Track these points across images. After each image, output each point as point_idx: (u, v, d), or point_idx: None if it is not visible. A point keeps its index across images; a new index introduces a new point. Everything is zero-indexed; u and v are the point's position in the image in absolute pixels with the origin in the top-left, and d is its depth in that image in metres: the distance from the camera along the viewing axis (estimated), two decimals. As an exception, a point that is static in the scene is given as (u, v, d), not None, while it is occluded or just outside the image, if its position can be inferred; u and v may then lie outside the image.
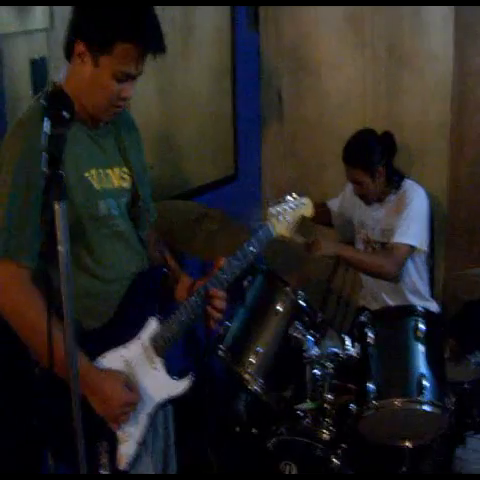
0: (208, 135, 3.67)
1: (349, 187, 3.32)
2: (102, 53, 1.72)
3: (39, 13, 2.65)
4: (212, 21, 3.65)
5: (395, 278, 3.04)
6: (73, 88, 1.75)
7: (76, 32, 1.76)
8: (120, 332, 1.86)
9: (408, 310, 2.75)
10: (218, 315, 1.97)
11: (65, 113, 1.36)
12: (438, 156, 3.55)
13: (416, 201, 3.06)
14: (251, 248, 2.01)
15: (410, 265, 3.11)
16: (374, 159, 3.02)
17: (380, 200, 3.15)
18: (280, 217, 2.12)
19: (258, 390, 2.63)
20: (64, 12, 2.56)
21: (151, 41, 1.76)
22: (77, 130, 1.76)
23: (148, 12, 1.78)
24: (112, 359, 1.83)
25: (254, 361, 2.63)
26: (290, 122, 3.98)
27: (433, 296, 3.29)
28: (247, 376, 2.62)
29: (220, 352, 2.70)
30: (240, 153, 3.87)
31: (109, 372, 1.81)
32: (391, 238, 3.02)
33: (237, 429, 3.07)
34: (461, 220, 3.55)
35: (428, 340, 2.60)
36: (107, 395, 1.77)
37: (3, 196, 1.68)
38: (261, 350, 2.64)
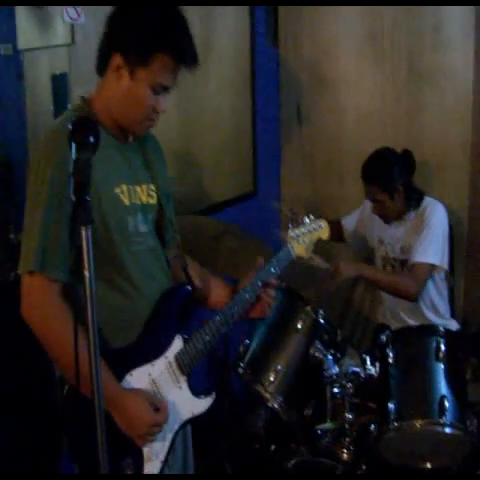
0: (228, 152, 3.65)
1: (367, 204, 3.27)
2: (140, 65, 1.71)
3: (61, 29, 2.67)
4: (232, 38, 3.64)
5: (415, 298, 2.98)
6: (106, 102, 1.77)
7: (113, 45, 1.74)
8: (147, 350, 1.85)
9: (429, 330, 2.71)
10: (269, 300, 2.03)
11: (91, 138, 1.36)
12: (458, 173, 3.49)
13: (436, 219, 3.00)
14: (272, 269, 2.05)
15: (429, 283, 3.06)
16: (393, 178, 2.97)
17: (399, 218, 3.10)
18: (300, 239, 2.18)
19: (278, 408, 2.61)
20: (85, 28, 2.66)
21: (187, 52, 1.75)
22: (108, 143, 1.75)
23: (183, 24, 1.77)
24: (139, 377, 1.81)
25: (274, 379, 2.61)
26: (309, 137, 3.95)
27: (453, 314, 3.22)
28: (267, 394, 2.60)
29: (240, 370, 2.68)
30: (259, 169, 3.84)
31: (137, 392, 1.79)
32: (411, 257, 2.97)
33: (256, 446, 3.04)
34: (481, 236, 3.49)
35: (449, 361, 2.56)
36: (135, 416, 1.76)
37: (38, 210, 1.67)
38: (281, 368, 2.62)
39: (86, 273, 1.33)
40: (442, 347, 2.56)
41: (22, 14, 2.79)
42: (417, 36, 3.54)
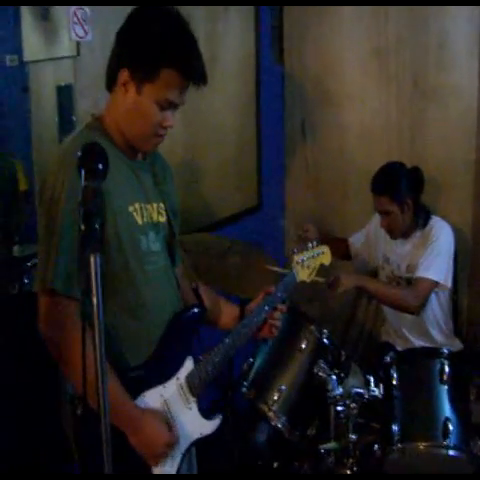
0: (232, 166, 3.60)
1: (373, 222, 3.22)
2: (146, 80, 1.69)
3: (66, 41, 2.63)
4: (237, 53, 3.59)
5: (417, 311, 2.93)
6: (114, 118, 1.75)
7: (120, 61, 1.72)
8: (159, 371, 1.82)
9: (434, 352, 2.67)
10: (276, 323, 2.08)
11: (100, 166, 1.33)
12: (463, 191, 3.43)
13: (443, 238, 2.96)
14: (279, 294, 2.09)
15: (434, 301, 3.01)
16: (403, 189, 2.93)
17: (406, 235, 3.04)
18: (304, 264, 2.23)
19: (281, 428, 2.56)
20: (91, 41, 2.60)
21: (194, 69, 1.72)
22: (119, 160, 1.75)
23: (191, 40, 1.73)
24: (152, 398, 1.79)
25: (277, 399, 2.57)
26: (313, 153, 3.88)
27: (456, 332, 3.15)
28: (270, 413, 2.56)
29: (243, 389, 2.64)
30: (264, 184, 3.78)
31: (152, 412, 1.76)
32: (415, 272, 2.92)
33: (258, 462, 2.97)
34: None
35: (454, 383, 2.52)
36: (150, 436, 1.73)
37: (56, 227, 1.63)
38: (285, 388, 2.58)
39: (94, 300, 1.29)
40: (446, 369, 2.52)
41: (28, 26, 2.77)
42: (422, 53, 3.48)
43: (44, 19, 2.76)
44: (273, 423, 2.56)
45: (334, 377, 2.52)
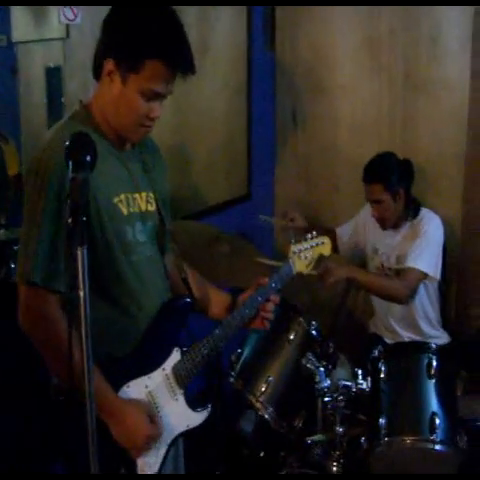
0: (222, 154, 3.52)
1: (362, 213, 3.16)
2: (131, 71, 1.63)
3: (55, 22, 2.59)
4: (228, 40, 3.51)
5: (406, 301, 2.89)
6: (101, 107, 1.71)
7: (105, 50, 1.67)
8: (144, 362, 1.78)
9: (422, 347, 2.62)
10: (268, 315, 1.99)
11: (88, 158, 1.30)
12: (453, 184, 3.38)
13: (432, 229, 2.92)
14: (273, 284, 2.00)
15: (422, 292, 2.97)
16: (395, 178, 2.89)
17: (396, 226, 2.99)
18: (301, 255, 2.12)
19: (268, 418, 2.50)
20: (80, 23, 2.55)
21: (180, 60, 1.65)
22: (106, 150, 1.69)
23: (178, 31, 1.66)
24: (136, 389, 1.74)
25: (265, 389, 2.51)
26: (304, 143, 3.80)
27: (445, 324, 3.10)
28: (258, 404, 2.51)
29: (231, 379, 2.58)
30: (254, 172, 3.70)
31: (134, 404, 1.71)
32: (404, 262, 2.88)
33: (244, 451, 2.92)
34: (475, 248, 3.36)
35: (441, 378, 2.46)
36: (131, 427, 1.69)
37: (37, 220, 1.59)
38: (272, 379, 2.52)
39: (81, 293, 1.27)
40: (434, 364, 2.46)
41: (17, 7, 2.70)
42: (414, 46, 3.42)
43: None
44: (260, 413, 2.51)
45: (322, 369, 2.47)
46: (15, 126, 2.92)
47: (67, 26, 2.60)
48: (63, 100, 2.67)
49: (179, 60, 1.65)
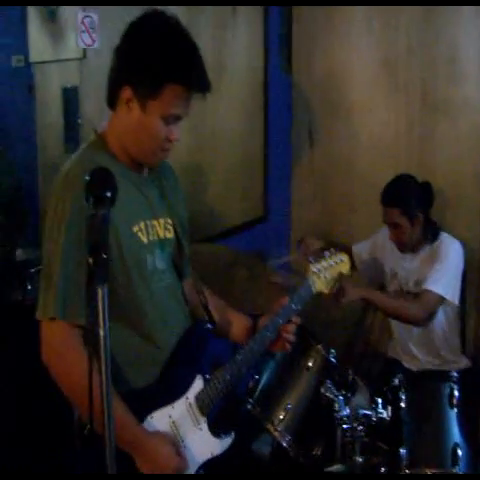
0: (239, 175, 3.42)
1: (381, 234, 3.04)
2: (150, 97, 1.58)
3: (72, 43, 2.55)
4: (244, 60, 3.43)
5: (422, 324, 2.77)
6: (118, 135, 1.66)
7: (121, 78, 1.61)
8: (168, 391, 1.71)
9: (443, 375, 2.52)
10: (290, 337, 1.89)
11: (108, 193, 1.24)
12: (471, 204, 3.27)
13: (451, 254, 2.79)
14: (293, 306, 1.91)
15: (442, 318, 2.84)
16: (414, 203, 2.77)
17: (414, 250, 2.87)
18: (321, 274, 2.02)
19: (286, 446, 2.38)
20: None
21: (198, 81, 1.61)
22: (124, 177, 1.62)
23: (194, 52, 1.62)
24: (160, 420, 1.68)
25: (283, 417, 2.39)
26: (320, 163, 3.70)
27: (464, 349, 2.97)
28: (276, 433, 2.39)
29: (249, 406, 2.46)
30: (270, 194, 3.59)
31: (159, 436, 1.65)
32: (422, 285, 2.75)
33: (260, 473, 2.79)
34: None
35: (463, 407, 2.37)
36: (159, 461, 1.62)
37: (57, 253, 1.56)
38: (291, 407, 2.40)
39: (101, 332, 1.21)
40: (456, 393, 2.37)
41: (35, 27, 2.72)
42: (431, 66, 3.32)
43: (51, 21, 2.73)
44: (278, 441, 2.39)
45: (341, 398, 2.35)
46: (31, 145, 2.90)
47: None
48: (79, 120, 2.63)
49: (197, 81, 1.60)
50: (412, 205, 2.76)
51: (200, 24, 3.06)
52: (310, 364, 2.41)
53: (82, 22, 2.45)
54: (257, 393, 2.46)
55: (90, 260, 1.18)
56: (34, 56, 2.78)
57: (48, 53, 2.72)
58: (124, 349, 1.61)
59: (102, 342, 1.21)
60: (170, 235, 1.77)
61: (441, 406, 2.37)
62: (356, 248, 3.13)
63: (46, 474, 2.31)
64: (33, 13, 2.74)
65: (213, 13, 3.15)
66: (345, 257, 2.11)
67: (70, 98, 2.66)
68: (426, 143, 3.34)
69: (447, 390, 2.37)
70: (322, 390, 2.36)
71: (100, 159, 1.61)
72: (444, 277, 2.74)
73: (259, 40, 3.48)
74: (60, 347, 1.57)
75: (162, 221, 1.74)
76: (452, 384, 2.38)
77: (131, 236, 1.64)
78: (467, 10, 3.19)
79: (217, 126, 3.21)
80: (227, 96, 3.24)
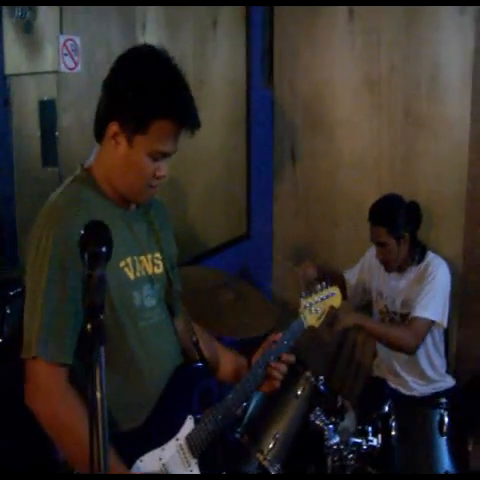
0: (220, 193, 3.22)
1: (368, 255, 2.90)
2: (138, 132, 1.48)
3: (49, 55, 2.39)
4: (226, 75, 3.26)
5: (413, 352, 2.63)
6: (105, 170, 1.55)
7: (109, 112, 1.51)
8: (158, 433, 1.60)
9: (433, 402, 2.42)
10: (280, 376, 1.78)
11: (104, 249, 1.13)
12: (454, 222, 3.14)
13: (439, 276, 2.65)
14: (285, 342, 1.80)
15: (428, 339, 2.70)
16: (400, 221, 2.64)
17: (401, 270, 2.73)
18: (312, 309, 1.92)
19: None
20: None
21: (188, 118, 1.49)
22: (110, 213, 1.53)
23: (183, 87, 1.51)
24: (150, 463, 1.56)
25: (272, 447, 2.23)
26: (303, 181, 3.54)
27: (448, 368, 2.81)
28: (265, 463, 2.23)
29: (237, 434, 2.31)
30: (252, 211, 3.41)
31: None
32: (412, 310, 2.61)
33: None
34: (476, 287, 3.10)
35: (453, 434, 2.26)
36: None
37: (40, 291, 1.44)
38: (280, 435, 2.25)
39: (98, 394, 1.11)
40: (446, 420, 2.25)
41: (10, 38, 2.49)
42: (414, 83, 3.19)
43: (27, 32, 2.51)
44: (267, 470, 2.23)
45: (331, 426, 2.19)
46: (8, 159, 2.68)
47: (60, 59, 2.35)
48: (57, 133, 2.47)
49: (187, 117, 1.50)
50: (398, 225, 2.63)
51: (180, 38, 2.90)
52: (299, 392, 2.25)
53: (64, 45, 2.28)
54: (245, 421, 2.31)
55: (88, 326, 1.07)
56: (9, 68, 2.54)
57: (24, 65, 2.54)
58: (111, 390, 1.43)
59: (99, 406, 1.11)
60: (159, 270, 1.65)
61: (431, 434, 2.26)
62: (348, 274, 2.98)
63: (46, 474, 2.15)
64: (8, 24, 2.54)
65: (193, 27, 2.98)
66: (336, 290, 2.00)
67: (47, 111, 2.50)
68: (409, 160, 3.20)
69: (437, 417, 2.26)
70: (311, 418, 2.21)
71: (85, 194, 1.50)
72: (433, 301, 2.60)
73: (241, 55, 3.30)
74: (45, 388, 1.46)
75: (150, 257, 1.63)
76: (442, 411, 2.26)
77: (117, 272, 1.53)
78: (449, 27, 3.06)
79: (198, 142, 2.99)
80: (208, 112, 3.02)
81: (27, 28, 2.51)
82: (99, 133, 1.54)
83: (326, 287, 1.96)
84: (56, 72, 2.38)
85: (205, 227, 3.13)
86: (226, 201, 3.30)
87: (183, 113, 1.49)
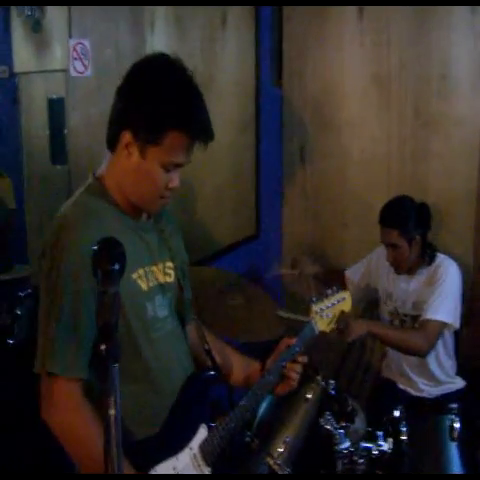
0: (229, 193, 3.17)
1: (375, 255, 2.82)
2: (151, 143, 1.44)
3: (58, 54, 2.36)
4: (235, 75, 3.19)
5: (426, 355, 2.55)
6: (116, 180, 1.52)
7: (122, 121, 1.47)
8: (171, 442, 1.57)
9: (444, 407, 2.31)
10: (297, 376, 1.76)
11: (117, 266, 1.08)
12: (463, 221, 3.08)
13: (450, 277, 2.57)
14: (297, 348, 1.77)
15: (438, 342, 2.60)
16: (412, 224, 2.57)
17: (411, 272, 2.66)
18: (323, 314, 1.88)
19: None
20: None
21: (202, 129, 1.46)
22: (122, 224, 1.52)
23: (198, 98, 1.46)
24: (164, 473, 1.54)
25: (283, 451, 2.15)
26: (312, 180, 3.47)
27: (458, 370, 2.74)
28: (276, 467, 2.15)
29: (247, 439, 2.22)
30: (261, 211, 3.34)
31: None
32: (423, 313, 2.54)
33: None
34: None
35: (463, 439, 2.19)
36: None
37: (55, 306, 1.42)
38: (290, 439, 2.17)
39: (112, 412, 1.08)
40: (456, 426, 2.18)
41: (19, 37, 2.47)
42: (424, 82, 3.12)
43: (35, 31, 2.43)
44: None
45: (341, 431, 2.12)
46: (17, 157, 2.68)
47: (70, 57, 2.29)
48: (65, 132, 2.44)
49: (201, 130, 1.46)
50: (410, 227, 2.56)
51: (189, 37, 2.83)
52: (309, 396, 2.18)
53: (74, 49, 2.22)
54: (255, 425, 2.25)
55: (102, 347, 1.04)
56: (18, 67, 2.53)
57: (33, 63, 2.50)
58: (124, 400, 1.39)
59: (112, 422, 1.07)
60: (170, 279, 1.62)
61: (442, 439, 2.19)
62: (349, 272, 2.90)
63: (46, 474, 2.16)
64: (17, 23, 2.50)
65: (202, 26, 2.91)
66: (347, 295, 1.97)
67: (56, 109, 2.47)
68: (418, 159, 3.14)
69: (448, 422, 2.19)
70: (321, 422, 2.14)
71: (96, 205, 1.47)
72: (444, 302, 2.53)
73: (250, 54, 3.23)
74: (61, 403, 1.44)
75: (161, 266, 1.60)
76: (453, 416, 2.19)
77: (131, 285, 1.50)
78: (459, 25, 2.99)
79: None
80: (217, 112, 2.95)
81: (36, 27, 2.47)
82: (111, 141, 1.50)
83: (337, 292, 1.93)
84: (65, 70, 2.33)
85: (214, 227, 3.07)
86: (235, 201, 3.24)
87: (198, 126, 1.45)
